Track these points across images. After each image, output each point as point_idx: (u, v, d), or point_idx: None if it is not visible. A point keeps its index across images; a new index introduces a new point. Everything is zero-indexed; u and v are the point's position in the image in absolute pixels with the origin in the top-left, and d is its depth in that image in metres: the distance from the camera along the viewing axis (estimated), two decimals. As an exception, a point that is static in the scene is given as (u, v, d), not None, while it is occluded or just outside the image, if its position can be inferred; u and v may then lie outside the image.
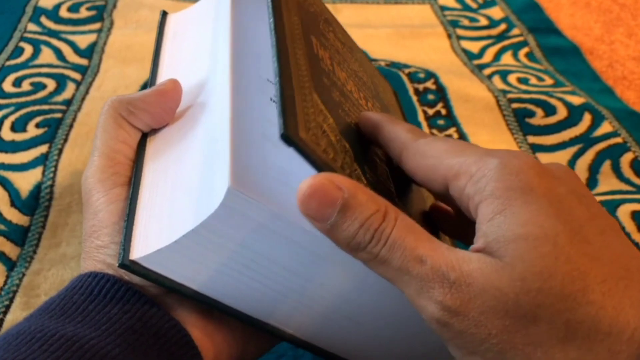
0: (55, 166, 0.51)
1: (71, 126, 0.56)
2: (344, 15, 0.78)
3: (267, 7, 0.31)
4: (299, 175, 0.25)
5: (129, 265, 0.27)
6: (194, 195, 0.28)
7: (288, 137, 0.24)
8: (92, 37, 0.69)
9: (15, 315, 0.41)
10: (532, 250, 0.23)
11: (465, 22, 0.79)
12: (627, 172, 0.55)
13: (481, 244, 0.24)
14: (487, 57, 0.73)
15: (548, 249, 0.23)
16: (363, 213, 0.24)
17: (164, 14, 0.42)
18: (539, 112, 0.62)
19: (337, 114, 0.30)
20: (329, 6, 0.79)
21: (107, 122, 0.33)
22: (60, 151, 0.53)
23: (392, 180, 0.32)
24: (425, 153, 0.28)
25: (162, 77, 0.37)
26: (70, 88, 0.61)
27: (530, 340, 0.23)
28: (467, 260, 0.24)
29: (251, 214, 0.26)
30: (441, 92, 0.65)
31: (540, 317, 0.23)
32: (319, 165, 0.25)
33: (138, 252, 0.28)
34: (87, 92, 0.61)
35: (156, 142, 0.33)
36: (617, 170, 0.55)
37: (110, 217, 0.30)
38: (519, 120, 0.61)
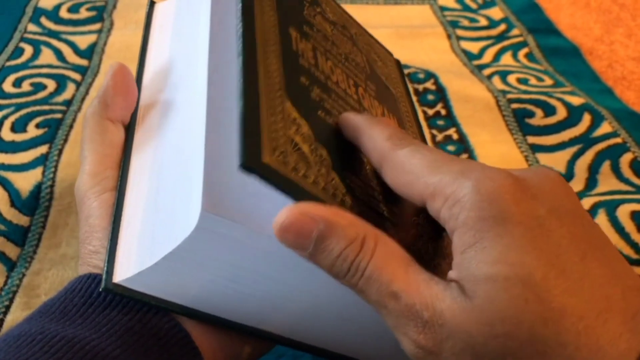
0: (55, 166, 0.51)
1: (71, 126, 0.56)
2: (344, 15, 0.78)
3: (237, 10, 0.30)
4: (272, 193, 0.25)
5: (112, 289, 0.27)
6: (170, 216, 0.27)
7: (248, 167, 0.24)
8: (92, 38, 0.69)
9: (16, 315, 0.41)
10: (502, 292, 0.23)
11: (465, 23, 0.79)
12: (627, 172, 0.55)
13: (455, 276, 0.24)
14: (487, 57, 0.73)
15: (518, 291, 0.23)
16: (339, 244, 0.24)
17: (152, 5, 0.40)
18: (539, 112, 0.62)
19: (314, 118, 0.29)
20: (329, 6, 0.79)
21: (92, 130, 0.33)
22: (61, 151, 0.53)
23: (379, 178, 0.31)
24: (403, 167, 0.27)
25: (148, 73, 0.36)
26: (71, 88, 0.61)
27: None
28: (440, 298, 0.24)
29: (228, 233, 0.25)
30: (441, 93, 0.65)
31: None
32: (285, 189, 0.24)
33: (120, 275, 0.27)
34: (87, 92, 0.61)
35: (138, 148, 0.33)
36: (616, 170, 0.55)
37: (101, 222, 0.30)
38: (519, 120, 0.61)
